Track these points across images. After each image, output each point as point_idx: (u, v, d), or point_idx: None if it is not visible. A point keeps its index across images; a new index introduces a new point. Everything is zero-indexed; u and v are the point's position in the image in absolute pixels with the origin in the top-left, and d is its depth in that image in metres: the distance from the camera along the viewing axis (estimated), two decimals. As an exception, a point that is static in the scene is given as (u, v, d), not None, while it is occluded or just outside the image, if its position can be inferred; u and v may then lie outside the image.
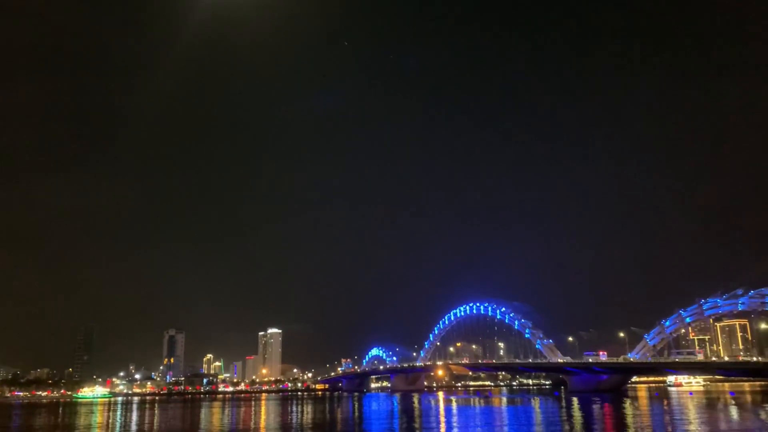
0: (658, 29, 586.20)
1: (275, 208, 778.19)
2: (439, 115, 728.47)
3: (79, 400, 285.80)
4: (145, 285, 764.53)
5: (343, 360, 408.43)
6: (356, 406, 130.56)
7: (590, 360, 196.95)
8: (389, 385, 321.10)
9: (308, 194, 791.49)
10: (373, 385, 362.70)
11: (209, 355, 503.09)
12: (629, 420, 72.31)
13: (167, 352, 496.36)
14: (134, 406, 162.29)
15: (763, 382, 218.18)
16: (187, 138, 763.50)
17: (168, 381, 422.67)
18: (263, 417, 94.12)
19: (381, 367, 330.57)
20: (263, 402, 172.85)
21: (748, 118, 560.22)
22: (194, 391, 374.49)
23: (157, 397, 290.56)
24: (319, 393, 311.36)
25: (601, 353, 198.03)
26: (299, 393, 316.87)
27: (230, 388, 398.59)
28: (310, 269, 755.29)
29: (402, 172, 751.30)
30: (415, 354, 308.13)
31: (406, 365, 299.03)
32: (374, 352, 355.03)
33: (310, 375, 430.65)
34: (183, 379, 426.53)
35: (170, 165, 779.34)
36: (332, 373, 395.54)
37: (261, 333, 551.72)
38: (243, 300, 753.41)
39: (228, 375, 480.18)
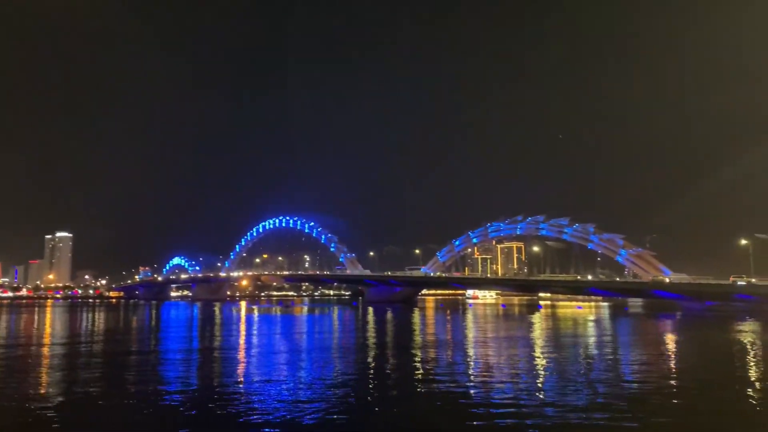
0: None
1: (74, 102, 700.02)
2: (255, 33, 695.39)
3: None
4: None
5: (141, 268, 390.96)
6: (153, 313, 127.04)
7: (366, 273, 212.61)
8: (190, 294, 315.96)
9: (115, 93, 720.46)
10: (173, 294, 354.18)
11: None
12: (414, 324, 79.77)
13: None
14: None
15: (530, 297, 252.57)
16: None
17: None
18: (48, 324, 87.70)
19: (183, 276, 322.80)
20: (48, 309, 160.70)
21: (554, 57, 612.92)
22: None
23: None
24: (113, 301, 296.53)
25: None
26: (90, 300, 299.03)
27: (9, 294, 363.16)
28: (110, 170, 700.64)
29: (218, 82, 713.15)
30: (220, 264, 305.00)
31: (209, 275, 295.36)
32: (176, 261, 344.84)
33: (104, 282, 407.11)
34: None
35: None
36: (129, 281, 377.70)
37: (48, 236, 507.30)
38: (28, 199, 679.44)
39: (7, 280, 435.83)
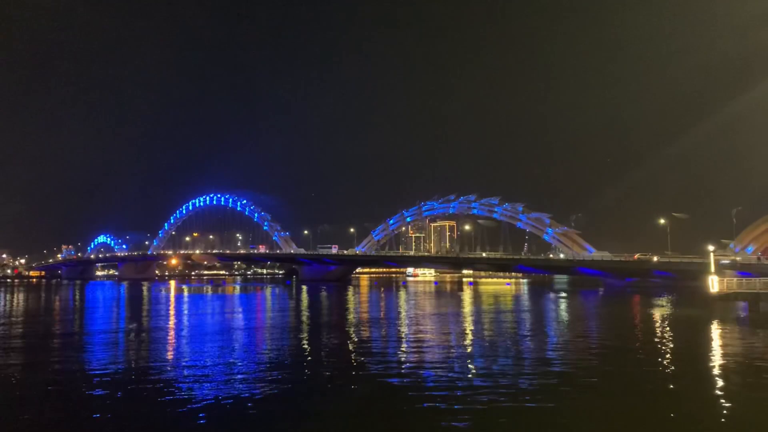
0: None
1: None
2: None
3: None
4: None
5: (64, 246, 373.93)
6: (77, 293, 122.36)
7: (300, 252, 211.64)
8: (117, 273, 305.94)
9: (31, 59, 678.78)
10: (98, 273, 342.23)
11: None
12: (348, 302, 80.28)
13: None
14: None
15: (467, 274, 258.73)
16: None
17: None
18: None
19: (109, 255, 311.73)
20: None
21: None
22: None
23: None
24: (34, 281, 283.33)
25: (334, 247, 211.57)
26: (9, 280, 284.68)
27: None
28: (25, 142, 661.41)
29: (148, 55, 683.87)
30: (148, 243, 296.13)
31: (137, 253, 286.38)
32: (101, 239, 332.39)
33: (23, 261, 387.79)
34: None
35: None
36: (51, 260, 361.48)
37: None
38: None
39: None
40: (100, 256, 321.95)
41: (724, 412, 19.73)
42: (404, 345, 36.80)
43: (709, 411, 19.72)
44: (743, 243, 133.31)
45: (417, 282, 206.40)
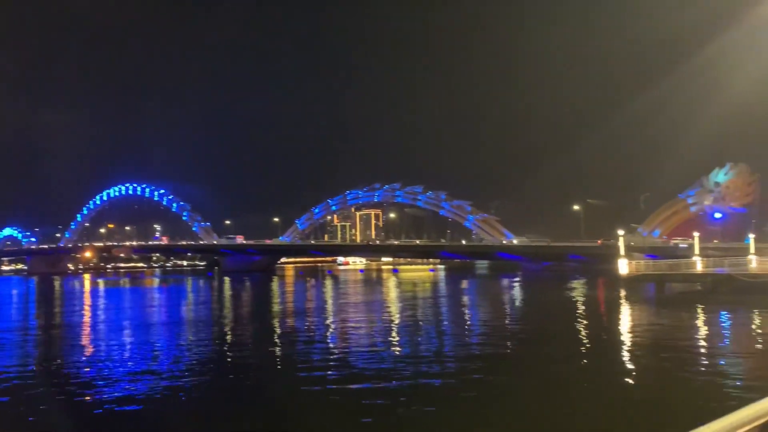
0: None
1: None
2: None
3: None
4: None
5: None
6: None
7: (227, 242, 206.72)
8: (25, 268, 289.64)
9: None
10: (5, 268, 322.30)
11: None
12: (274, 293, 79.68)
13: None
14: None
15: (394, 261, 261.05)
16: None
17: None
18: None
19: (15, 249, 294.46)
20: None
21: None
22: None
23: None
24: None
25: (239, 238, 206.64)
26: None
27: None
28: None
29: (65, 35, 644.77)
30: (59, 235, 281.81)
31: (47, 246, 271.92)
32: (8, 232, 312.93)
33: None
34: None
35: None
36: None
37: None
38: None
39: None
40: (6, 249, 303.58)
41: (626, 387, 20.92)
42: (329, 334, 36.90)
43: (611, 386, 20.84)
44: (650, 227, 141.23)
45: (346, 270, 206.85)
